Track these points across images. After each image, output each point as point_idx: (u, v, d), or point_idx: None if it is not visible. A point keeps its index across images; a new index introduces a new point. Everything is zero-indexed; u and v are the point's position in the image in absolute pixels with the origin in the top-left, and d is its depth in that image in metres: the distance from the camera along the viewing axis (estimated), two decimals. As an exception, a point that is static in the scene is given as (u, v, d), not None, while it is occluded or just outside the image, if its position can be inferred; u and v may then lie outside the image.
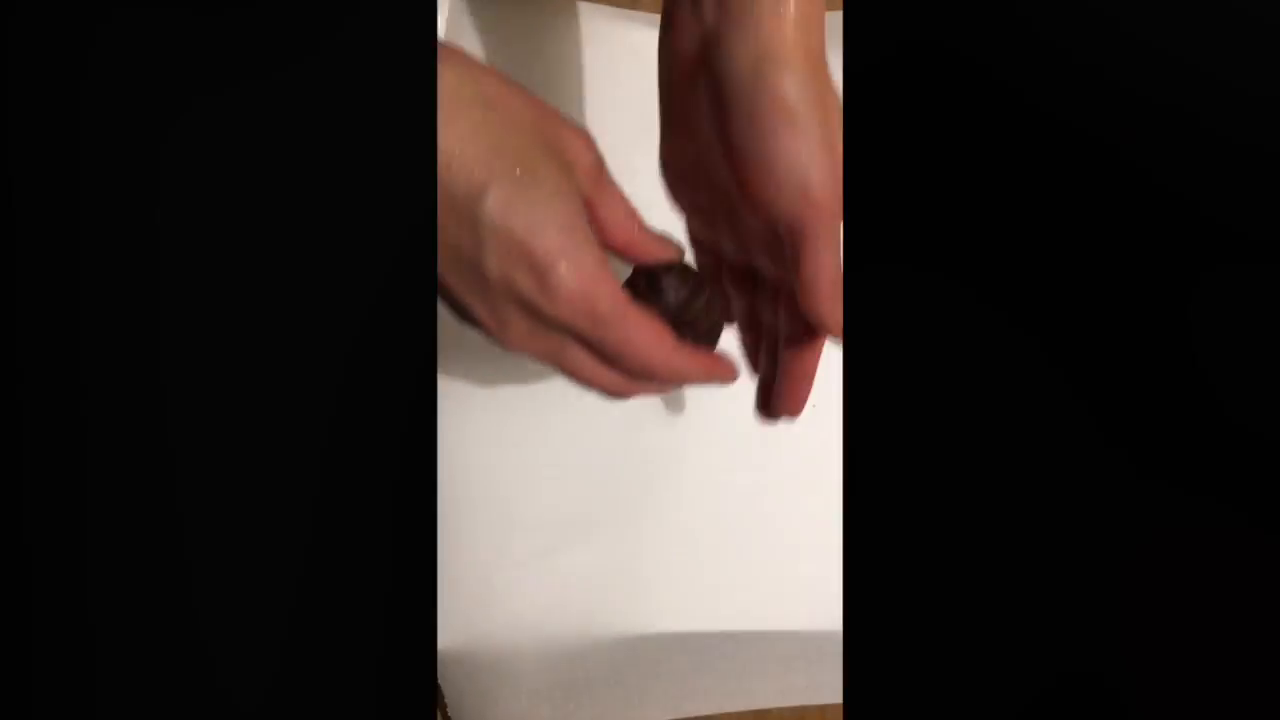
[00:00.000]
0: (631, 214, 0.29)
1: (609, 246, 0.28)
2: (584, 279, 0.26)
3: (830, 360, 0.45)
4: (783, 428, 0.45)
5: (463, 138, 0.24)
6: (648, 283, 0.30)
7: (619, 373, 0.29)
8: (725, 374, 0.32)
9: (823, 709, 0.42)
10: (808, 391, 0.33)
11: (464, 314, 0.28)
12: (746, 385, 0.45)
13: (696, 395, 0.45)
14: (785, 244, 0.27)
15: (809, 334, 0.31)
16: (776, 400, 0.33)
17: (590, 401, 0.44)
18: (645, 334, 0.28)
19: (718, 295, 0.32)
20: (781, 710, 0.42)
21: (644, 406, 0.44)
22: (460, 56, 0.25)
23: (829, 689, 0.42)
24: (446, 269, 0.26)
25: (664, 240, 0.30)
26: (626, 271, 0.30)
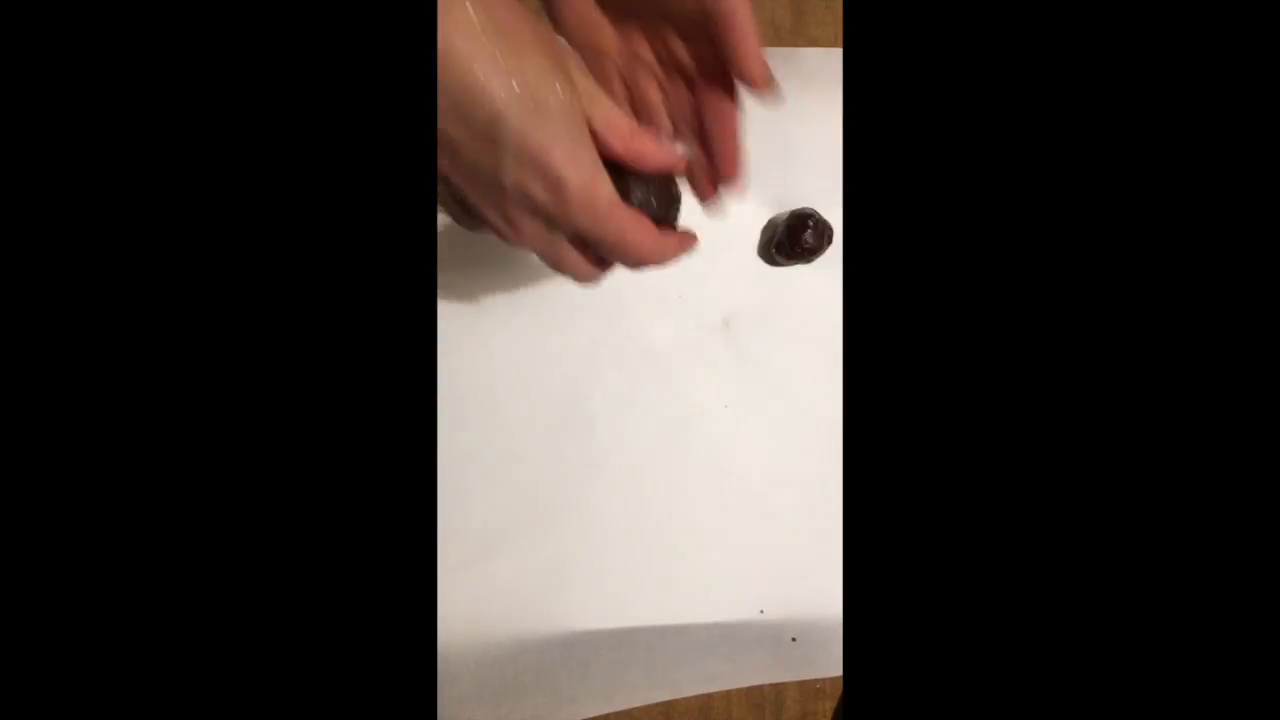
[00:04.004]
0: (626, 124, 0.31)
1: (607, 155, 0.31)
2: (587, 185, 0.29)
3: (734, 365, 0.47)
4: (695, 429, 0.47)
5: (485, 69, 0.26)
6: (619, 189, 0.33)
7: (600, 262, 0.34)
8: (691, 243, 0.35)
9: (761, 690, 0.45)
10: (741, 150, 0.35)
11: (476, 219, 0.31)
12: (658, 387, 0.47)
13: (611, 402, 0.47)
14: (711, 21, 0.31)
15: (729, 96, 0.34)
16: (717, 168, 0.36)
17: (510, 411, 0.45)
18: (635, 228, 0.31)
19: (671, 180, 0.35)
20: (728, 694, 0.44)
21: (563, 416, 0.46)
22: None
23: (748, 672, 0.44)
24: (465, 182, 0.29)
25: (662, 146, 0.32)
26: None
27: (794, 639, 0.46)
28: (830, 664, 0.45)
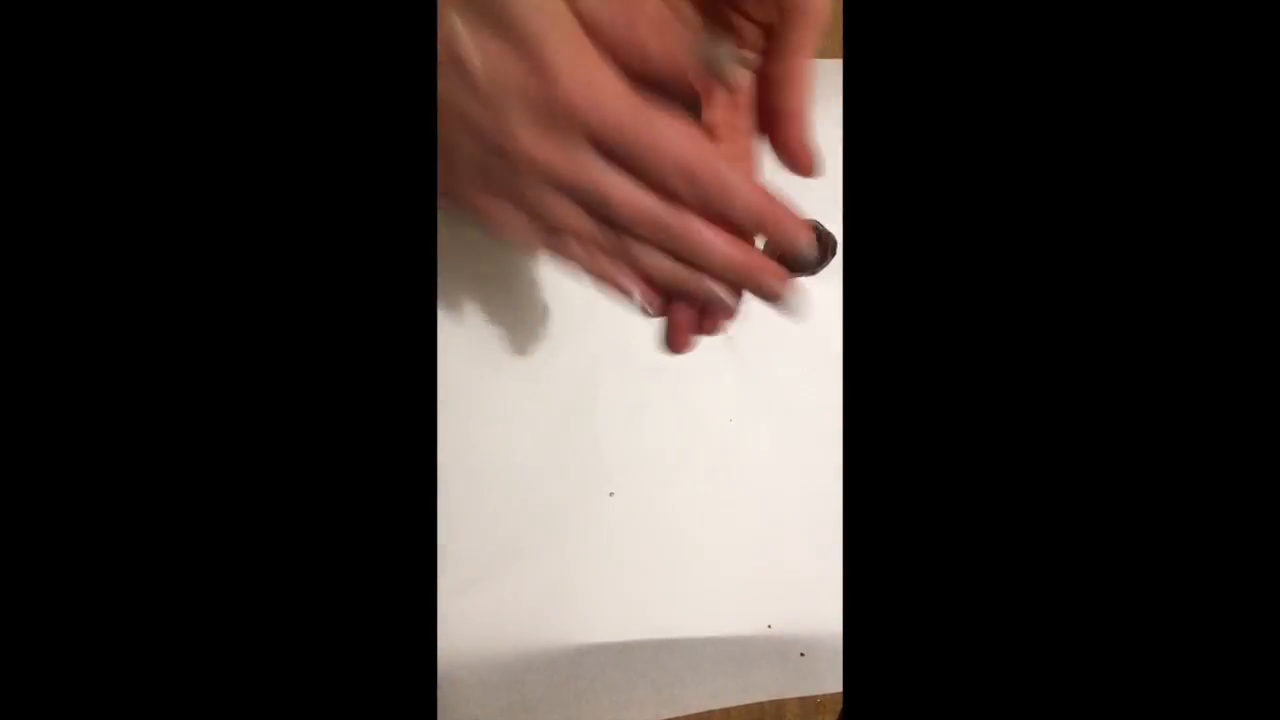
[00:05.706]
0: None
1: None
2: (584, 74, 0.25)
3: (738, 378, 0.47)
4: (700, 443, 0.47)
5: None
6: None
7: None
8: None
9: (761, 706, 0.44)
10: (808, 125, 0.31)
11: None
12: (662, 402, 0.47)
13: (614, 418, 0.47)
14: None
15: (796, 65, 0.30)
16: (786, 143, 0.32)
17: (513, 427, 0.45)
18: (677, 134, 0.25)
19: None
20: (727, 710, 0.44)
21: (566, 431, 0.46)
22: None
23: (756, 688, 0.44)
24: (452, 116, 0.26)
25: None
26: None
27: (802, 654, 0.45)
28: (839, 679, 0.44)
